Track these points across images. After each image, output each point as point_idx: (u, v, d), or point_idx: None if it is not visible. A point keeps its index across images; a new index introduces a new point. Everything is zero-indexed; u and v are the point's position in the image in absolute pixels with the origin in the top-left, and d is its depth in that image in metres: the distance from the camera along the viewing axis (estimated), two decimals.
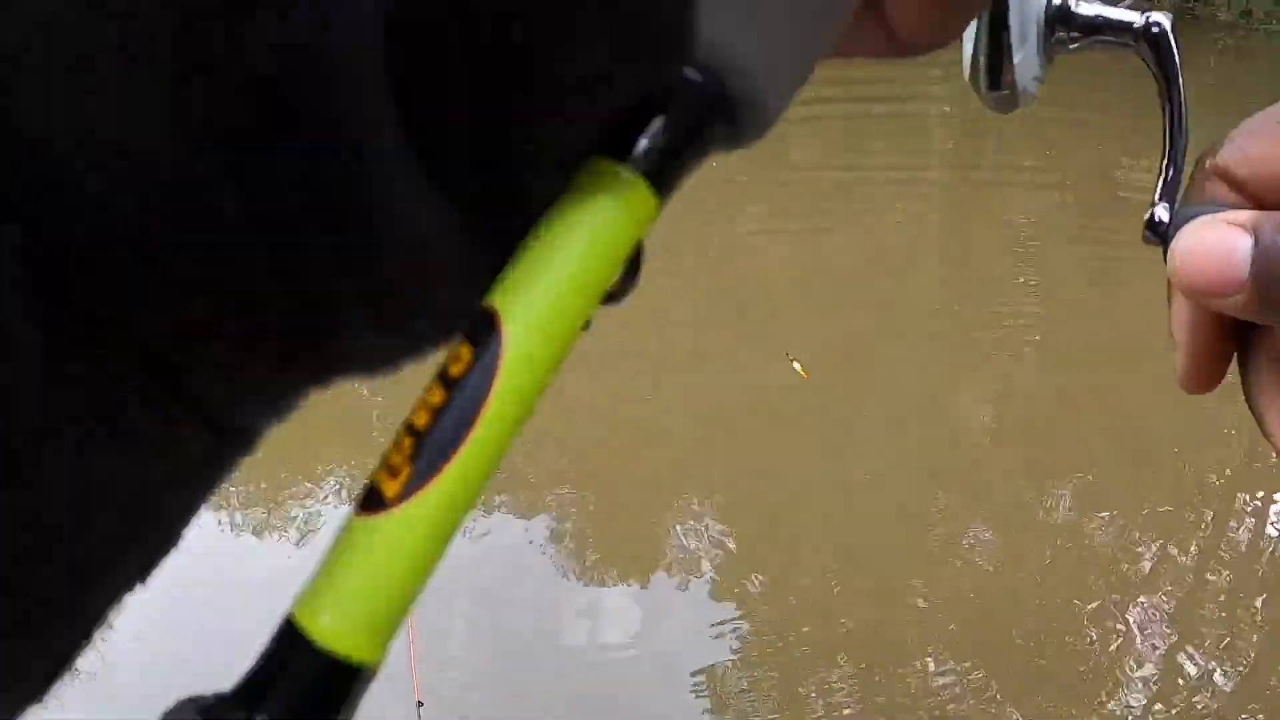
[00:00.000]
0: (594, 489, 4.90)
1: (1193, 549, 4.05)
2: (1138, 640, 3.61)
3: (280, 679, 0.23)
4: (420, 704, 3.29)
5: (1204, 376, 0.37)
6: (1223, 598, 3.83)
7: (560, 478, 5.01)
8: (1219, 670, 3.51)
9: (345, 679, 0.23)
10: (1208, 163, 0.37)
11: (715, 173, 9.33)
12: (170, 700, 0.23)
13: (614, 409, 5.55)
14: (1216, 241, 0.32)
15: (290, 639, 0.23)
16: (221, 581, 4.89)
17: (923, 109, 9.72)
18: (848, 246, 7.02)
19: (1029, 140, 8.51)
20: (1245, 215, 0.32)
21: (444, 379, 0.23)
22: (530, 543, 4.55)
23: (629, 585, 4.20)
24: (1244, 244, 0.31)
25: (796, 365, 4.97)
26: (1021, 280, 6.36)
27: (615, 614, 4.09)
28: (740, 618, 3.96)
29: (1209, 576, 3.92)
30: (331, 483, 5.39)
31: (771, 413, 5.18)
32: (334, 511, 5.13)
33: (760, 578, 4.15)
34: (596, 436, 5.35)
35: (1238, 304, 0.32)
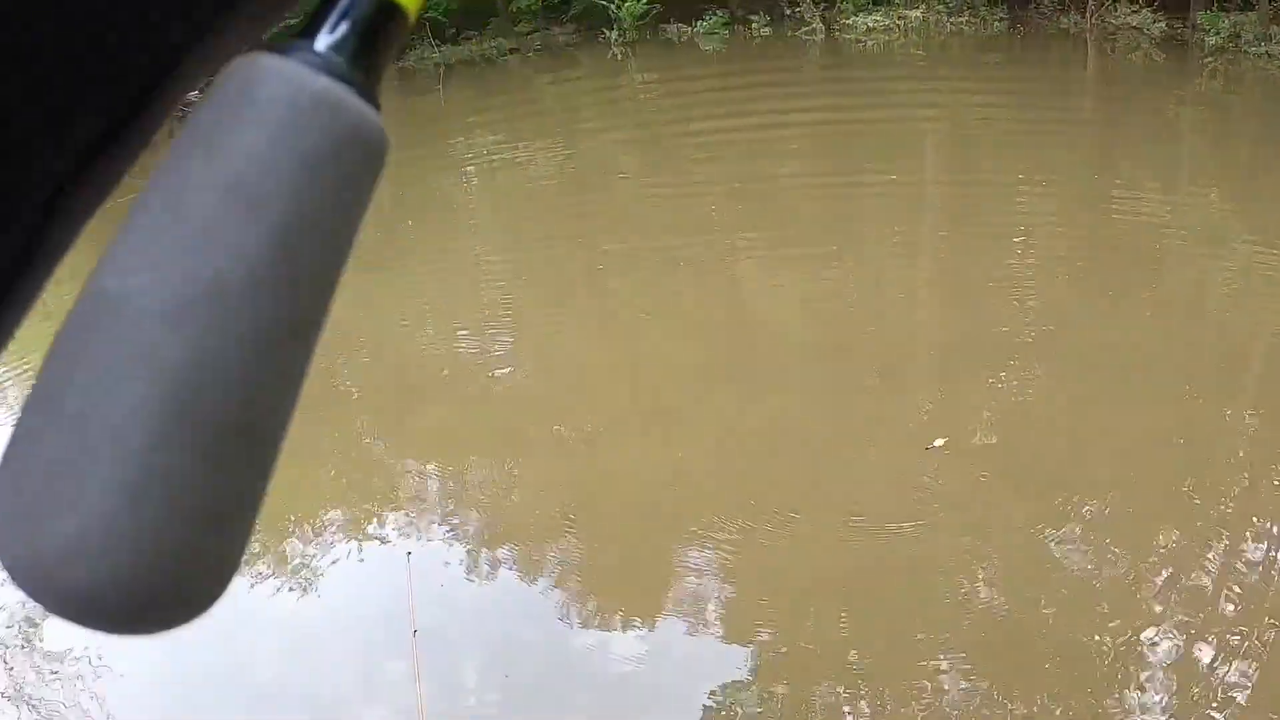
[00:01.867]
0: (597, 531, 4.89)
1: (1205, 576, 4.02)
2: (1149, 664, 3.59)
3: (336, 17, 0.29)
4: None
5: None
6: (1237, 625, 3.80)
7: (563, 521, 5.01)
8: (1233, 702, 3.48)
9: (389, 16, 0.30)
10: None
11: (713, 210, 9.38)
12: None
13: (615, 447, 5.56)
14: None
15: None
16: (219, 625, 4.89)
17: (916, 125, 9.79)
18: (846, 274, 7.03)
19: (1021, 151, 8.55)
20: None
21: None
22: (536, 587, 4.54)
23: (635, 627, 4.18)
24: None
25: (939, 442, 4.90)
26: (1018, 303, 6.37)
27: (622, 656, 4.06)
28: (748, 657, 3.93)
29: (1223, 604, 3.89)
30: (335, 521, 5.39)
31: (774, 448, 5.17)
32: (332, 557, 5.13)
33: (765, 614, 4.12)
34: (597, 475, 5.36)
35: None
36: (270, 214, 0.26)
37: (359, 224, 0.30)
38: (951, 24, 14.47)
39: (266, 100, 0.27)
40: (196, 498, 0.26)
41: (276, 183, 0.27)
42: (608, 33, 18.54)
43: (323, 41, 0.29)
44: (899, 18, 15.14)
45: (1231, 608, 3.82)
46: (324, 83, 0.28)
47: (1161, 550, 4.19)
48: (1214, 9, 11.65)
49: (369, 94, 0.29)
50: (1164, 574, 4.03)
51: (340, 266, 0.30)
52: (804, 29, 15.97)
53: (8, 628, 5.20)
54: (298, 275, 0.27)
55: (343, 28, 0.29)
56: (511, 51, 20.44)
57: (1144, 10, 12.47)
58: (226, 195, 0.26)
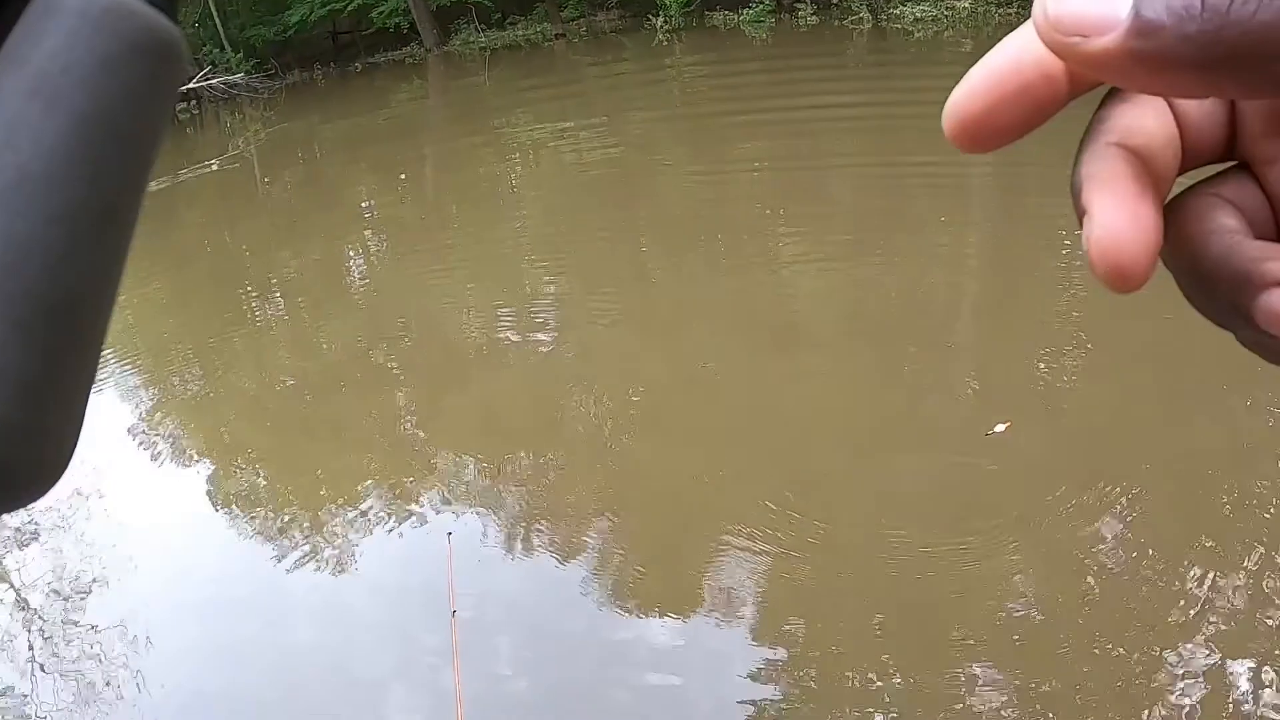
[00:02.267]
0: (635, 521, 4.91)
1: (1241, 582, 3.99)
2: (1186, 676, 3.57)
3: None
4: None
5: (986, 122, 0.32)
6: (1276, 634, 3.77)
7: (602, 509, 5.04)
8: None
9: None
10: None
11: (759, 207, 9.36)
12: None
13: (655, 431, 5.58)
14: None
15: None
16: (260, 602, 4.96)
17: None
18: (886, 273, 7.01)
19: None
20: None
21: None
22: (573, 575, 4.57)
23: (672, 617, 4.20)
24: None
25: (1000, 427, 4.87)
26: (1065, 290, 6.32)
27: (659, 645, 4.08)
28: (783, 652, 3.95)
29: (1261, 614, 3.87)
30: (371, 504, 5.45)
31: (815, 443, 5.17)
32: (372, 536, 5.19)
33: (802, 609, 4.13)
34: (637, 459, 5.38)
35: (1108, 47, 0.28)
36: (67, 109, 0.30)
37: (160, 121, 0.33)
38: (1000, 15, 14.35)
39: (64, 11, 0.31)
40: (14, 371, 0.29)
41: (73, 82, 0.30)
42: (653, 19, 18.53)
43: None
44: (947, 8, 15.04)
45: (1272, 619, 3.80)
46: None
47: (1208, 554, 4.16)
48: None
49: (164, 3, 0.32)
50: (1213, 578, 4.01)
51: (145, 159, 0.33)
52: (850, 18, 15.88)
53: (49, 601, 5.30)
54: (100, 164, 0.31)
55: None
56: (557, 37, 20.46)
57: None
58: (30, 96, 0.30)
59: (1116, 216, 0.30)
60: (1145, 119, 0.33)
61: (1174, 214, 0.33)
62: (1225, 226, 0.32)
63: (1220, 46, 0.27)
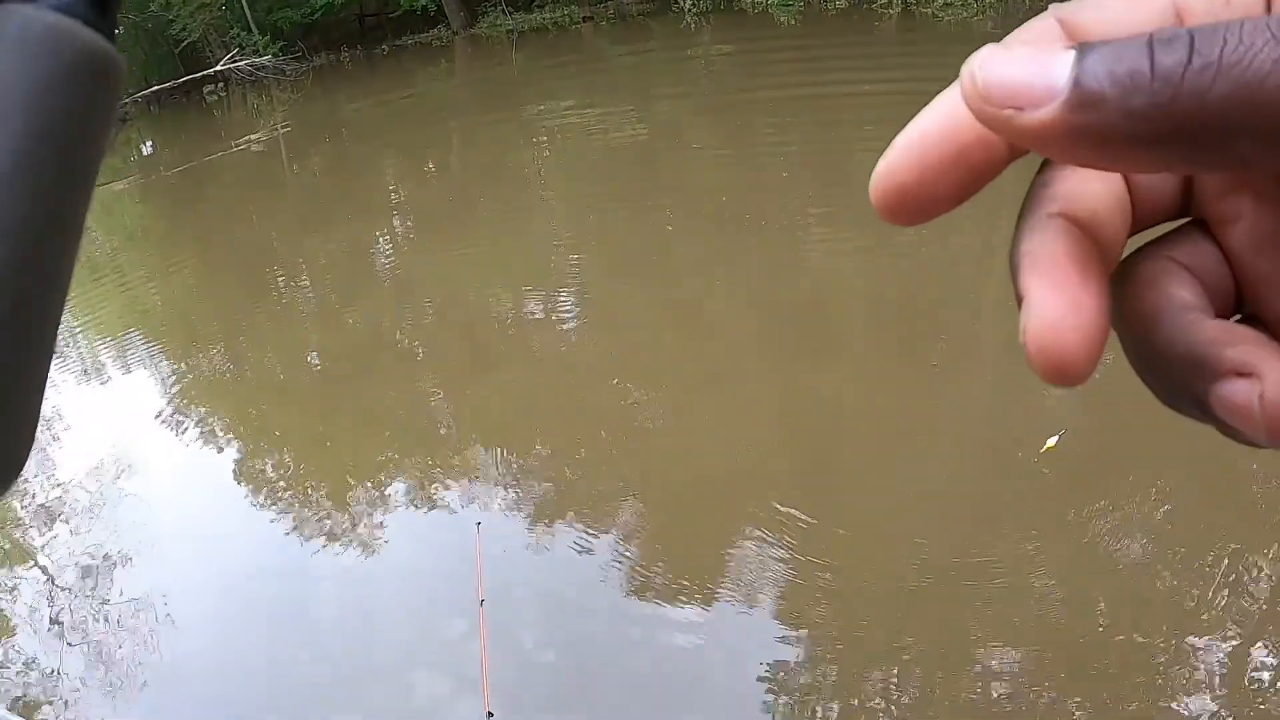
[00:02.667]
0: (659, 501, 4.91)
1: (1263, 584, 3.95)
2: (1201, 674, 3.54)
3: None
4: (490, 715, 3.29)
5: (918, 193, 0.30)
6: None
7: (626, 490, 5.04)
8: None
9: None
10: (1050, 10, 0.30)
11: (782, 191, 9.32)
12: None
13: (679, 420, 5.56)
14: (1033, 51, 0.26)
15: None
16: (286, 583, 4.98)
17: None
18: (915, 249, 6.96)
19: None
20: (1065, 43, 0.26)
21: None
22: (597, 553, 4.57)
23: (695, 595, 4.19)
24: (1065, 55, 0.25)
25: (1051, 441, 4.81)
26: None
27: (681, 623, 4.08)
28: (802, 632, 3.94)
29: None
30: (397, 485, 5.46)
31: (836, 430, 5.15)
32: (397, 513, 5.20)
33: (822, 594, 4.12)
34: (661, 449, 5.37)
35: (1045, 120, 0.25)
36: (9, 129, 0.31)
37: (100, 138, 0.34)
38: (1031, 2, 14.22)
39: (4, 36, 0.32)
40: None
41: (14, 101, 0.32)
42: (681, 2, 18.46)
43: None
44: None
45: None
46: (54, 17, 0.32)
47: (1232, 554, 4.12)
48: None
49: (103, 26, 0.34)
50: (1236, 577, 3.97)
51: (86, 175, 0.34)
52: (880, 3, 15.78)
53: (77, 578, 5.34)
54: (43, 178, 0.32)
55: None
56: (585, 20, 20.43)
57: None
58: None
59: (1055, 306, 0.27)
60: (1090, 181, 0.30)
61: (1123, 283, 0.30)
62: (1179, 301, 0.29)
63: (1173, 121, 0.24)
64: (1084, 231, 0.29)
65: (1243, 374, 0.26)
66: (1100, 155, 0.25)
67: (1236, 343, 0.27)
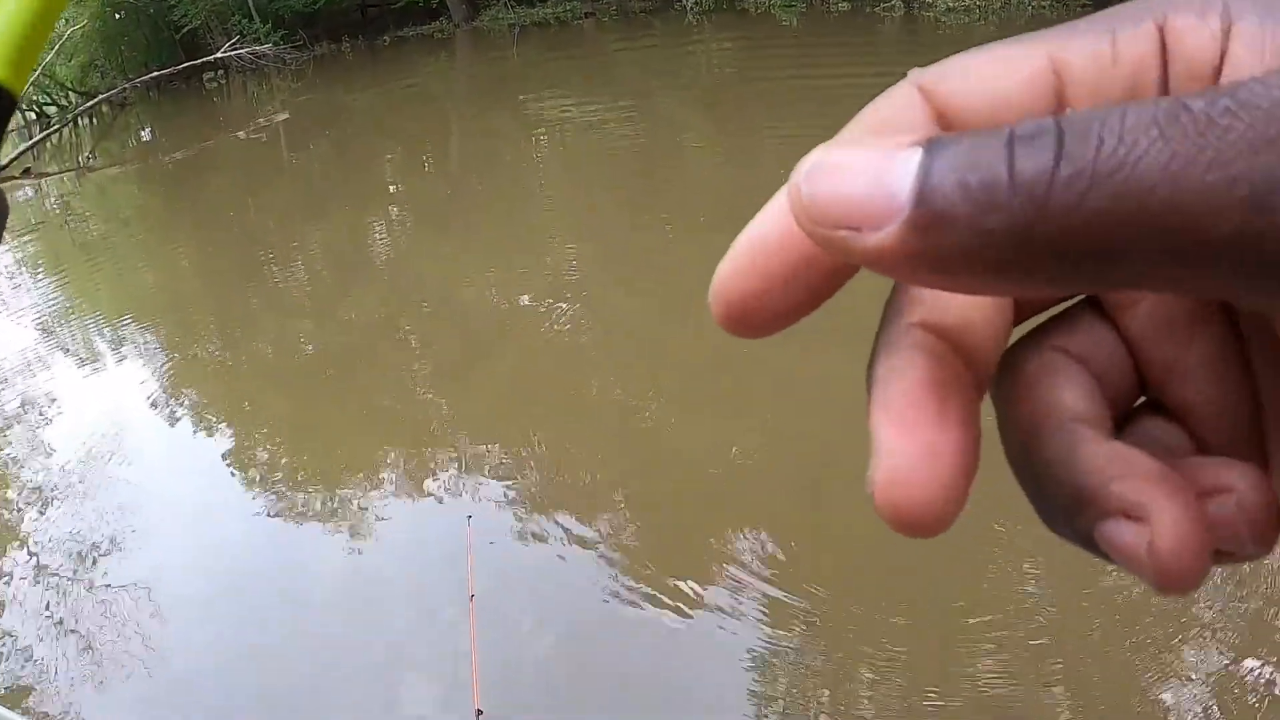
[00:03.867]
0: (653, 498, 4.90)
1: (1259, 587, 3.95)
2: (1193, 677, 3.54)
3: None
4: (480, 713, 3.28)
5: (761, 305, 0.26)
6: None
7: (616, 486, 5.03)
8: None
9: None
10: (910, 76, 0.27)
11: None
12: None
13: (675, 417, 5.56)
14: (869, 155, 0.21)
15: None
16: (274, 572, 4.97)
17: None
18: None
19: None
20: (912, 136, 0.22)
21: None
22: (590, 549, 4.57)
23: (688, 592, 4.19)
24: (908, 158, 0.21)
25: None
26: None
27: (674, 619, 4.07)
28: (796, 629, 3.93)
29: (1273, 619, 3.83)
30: (387, 474, 5.45)
31: (833, 424, 5.15)
32: (388, 502, 5.19)
33: (811, 594, 4.11)
34: (655, 446, 5.36)
35: (884, 245, 0.21)
36: None
37: None
38: (1034, 7, 14.22)
39: None
40: None
41: None
42: (683, 0, 18.44)
43: None
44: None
45: None
46: None
47: None
48: None
49: None
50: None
51: None
52: (882, 5, 15.78)
53: (66, 563, 5.32)
54: None
55: None
56: (586, 15, 20.41)
57: None
58: None
59: (904, 453, 0.24)
60: None
61: (1001, 383, 0.27)
62: (1064, 410, 0.25)
63: (1037, 245, 0.19)
64: (948, 343, 0.25)
65: (1131, 516, 0.23)
66: (951, 282, 0.21)
67: (1126, 476, 0.23)
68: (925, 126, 0.25)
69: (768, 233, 0.26)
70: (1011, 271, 0.20)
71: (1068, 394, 0.26)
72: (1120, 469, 0.23)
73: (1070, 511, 0.24)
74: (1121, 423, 0.27)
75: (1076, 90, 0.24)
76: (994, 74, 0.25)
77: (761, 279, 0.25)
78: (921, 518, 0.23)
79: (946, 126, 0.25)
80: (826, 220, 0.22)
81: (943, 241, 0.20)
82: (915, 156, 0.21)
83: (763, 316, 0.26)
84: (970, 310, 0.26)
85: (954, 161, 0.20)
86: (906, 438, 0.24)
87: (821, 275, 0.25)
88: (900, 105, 0.26)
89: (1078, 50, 0.25)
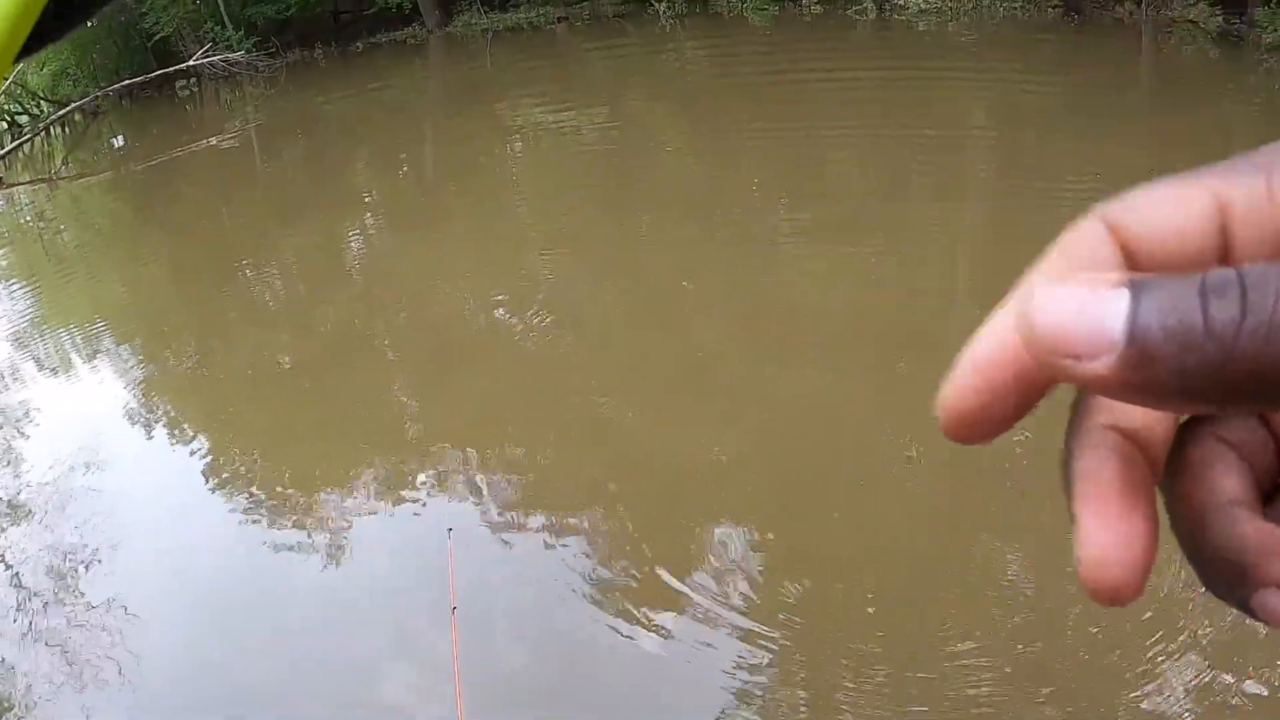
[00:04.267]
0: (631, 503, 4.91)
1: None
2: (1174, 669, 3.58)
3: None
4: None
5: (983, 417, 0.30)
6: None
7: (598, 492, 5.04)
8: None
9: None
10: (1095, 211, 0.31)
11: (755, 203, 9.35)
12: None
13: (652, 422, 5.57)
14: (1085, 294, 0.26)
15: None
16: (256, 583, 4.95)
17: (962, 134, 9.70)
18: (885, 262, 7.00)
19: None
20: (1117, 274, 0.27)
21: None
22: (569, 557, 4.57)
23: (668, 598, 4.20)
24: (1118, 300, 0.25)
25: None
26: None
27: (654, 626, 4.09)
28: (771, 632, 3.95)
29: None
30: (364, 483, 5.44)
31: (807, 430, 5.17)
32: (366, 517, 5.18)
33: (795, 595, 4.13)
34: (633, 451, 5.37)
35: (1101, 373, 0.26)
36: None
37: None
38: (1005, 9, 14.30)
39: None
40: None
41: None
42: (656, 4, 18.46)
43: None
44: (953, 0, 14.99)
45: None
46: None
47: None
48: (1273, 6, 11.43)
49: None
50: None
51: None
52: (855, 7, 15.83)
53: (43, 576, 5.29)
54: None
55: None
56: (560, 20, 20.39)
57: (1201, 3, 12.27)
58: None
59: (1105, 542, 0.29)
60: None
61: (1172, 471, 0.31)
62: (1225, 494, 0.30)
63: (1227, 380, 0.24)
64: (1133, 443, 0.30)
65: None
66: (1156, 403, 0.26)
67: (1277, 553, 0.28)
68: (1114, 261, 0.30)
69: (990, 352, 0.30)
70: (1203, 401, 0.25)
71: (1226, 478, 0.30)
72: (1273, 545, 0.28)
73: (1232, 583, 0.29)
74: (1265, 500, 0.31)
75: (1238, 227, 0.28)
76: (1170, 211, 0.29)
77: (984, 394, 0.30)
78: (1120, 592, 0.28)
79: (1130, 257, 0.29)
80: (1053, 350, 0.26)
81: (1149, 374, 0.25)
82: (1124, 298, 0.26)
83: (987, 426, 0.31)
84: (1149, 414, 0.31)
85: (1157, 305, 0.25)
86: (1106, 530, 0.29)
87: (1036, 390, 0.30)
88: (1093, 241, 0.30)
89: (1239, 189, 0.29)
